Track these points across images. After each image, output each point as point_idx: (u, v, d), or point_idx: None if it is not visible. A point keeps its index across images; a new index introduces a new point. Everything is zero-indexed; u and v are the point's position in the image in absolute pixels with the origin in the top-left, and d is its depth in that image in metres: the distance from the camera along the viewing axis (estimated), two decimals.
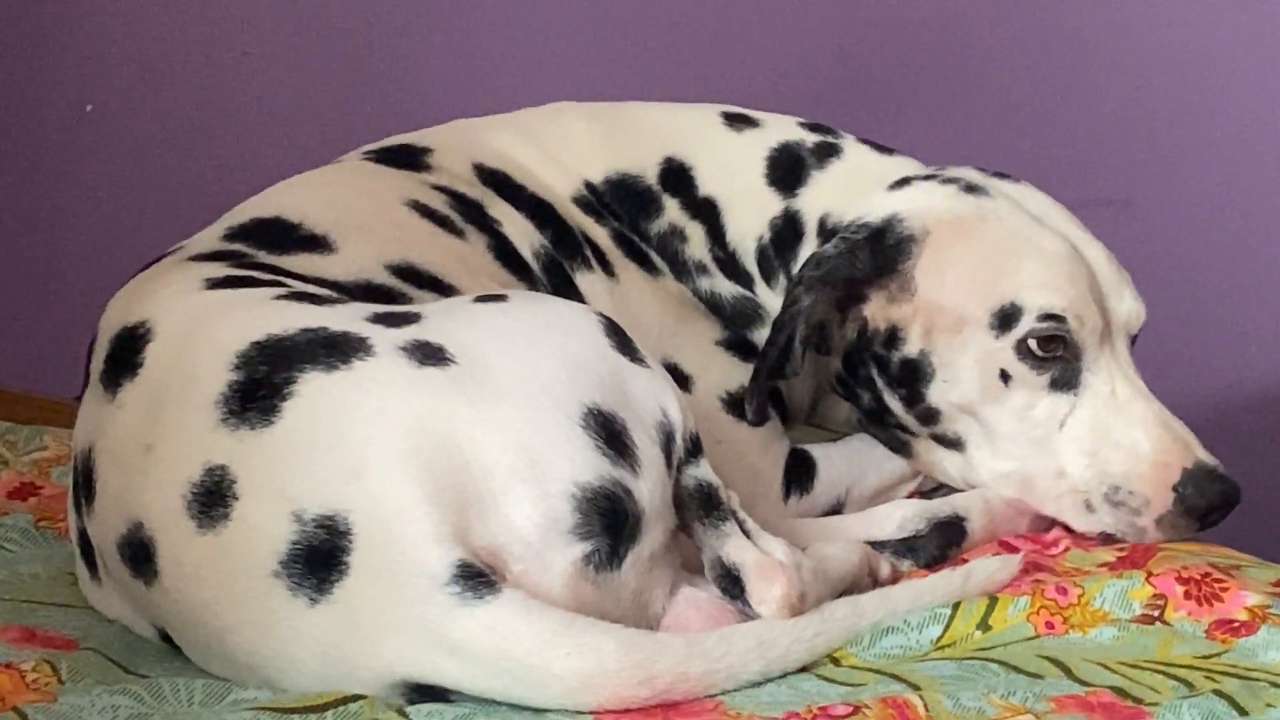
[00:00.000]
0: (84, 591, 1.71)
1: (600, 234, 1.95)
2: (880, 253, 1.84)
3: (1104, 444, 1.81)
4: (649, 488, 1.52)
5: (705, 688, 1.47)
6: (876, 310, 1.86)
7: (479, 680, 1.44)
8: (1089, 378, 1.83)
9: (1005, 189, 1.90)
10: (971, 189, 1.88)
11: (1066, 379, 1.83)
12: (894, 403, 1.89)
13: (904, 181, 1.90)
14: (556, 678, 1.43)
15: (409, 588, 1.43)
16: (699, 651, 1.47)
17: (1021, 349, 1.81)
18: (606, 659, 1.44)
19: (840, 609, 1.58)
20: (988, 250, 1.83)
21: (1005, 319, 1.82)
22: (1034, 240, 1.84)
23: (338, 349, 1.51)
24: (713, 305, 1.96)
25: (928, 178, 1.90)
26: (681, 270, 1.97)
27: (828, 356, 1.89)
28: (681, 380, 1.87)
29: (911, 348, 1.85)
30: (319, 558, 1.45)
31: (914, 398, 1.87)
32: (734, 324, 1.95)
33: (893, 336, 1.86)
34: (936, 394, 1.85)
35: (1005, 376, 1.83)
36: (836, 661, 1.55)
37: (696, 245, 1.97)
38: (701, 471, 1.61)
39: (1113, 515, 1.81)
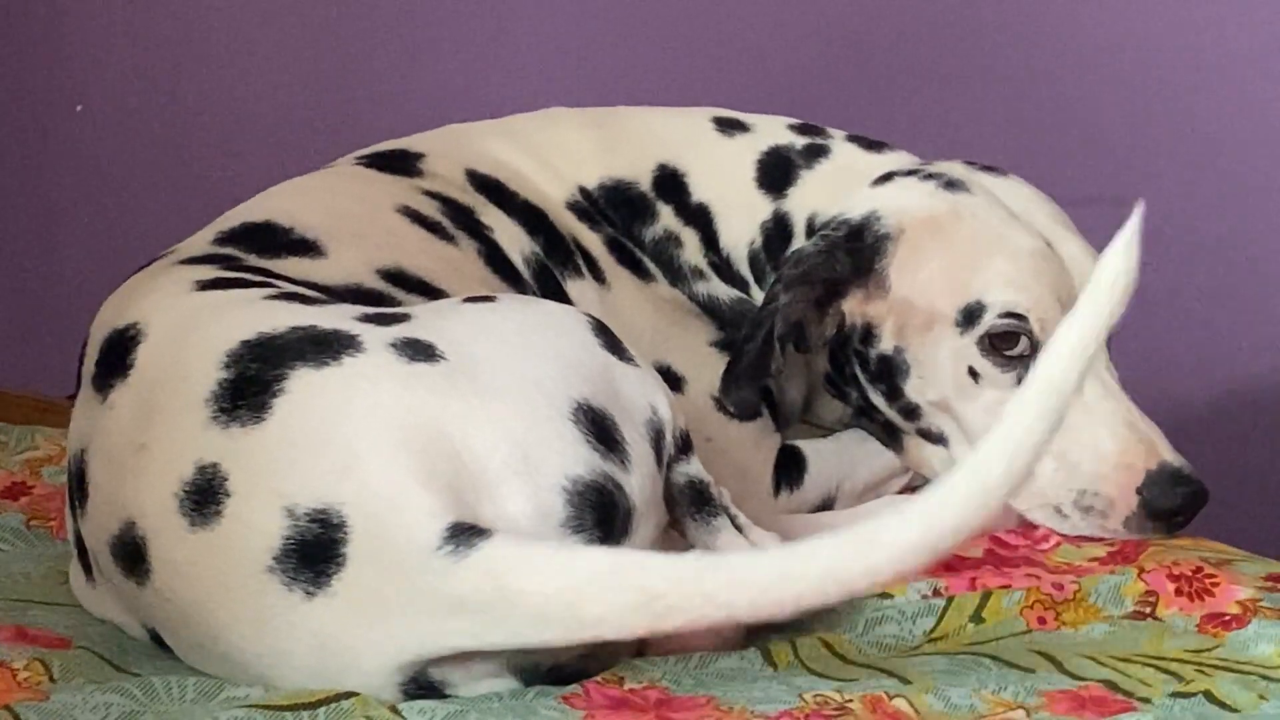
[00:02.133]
0: (78, 595, 1.70)
1: (593, 240, 1.96)
2: (857, 252, 1.85)
3: (1071, 445, 1.80)
4: (639, 483, 1.52)
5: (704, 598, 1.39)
6: (854, 306, 1.86)
7: (485, 631, 1.42)
8: None
9: (988, 183, 1.90)
10: (951, 185, 1.88)
11: None
12: (878, 399, 1.89)
13: (887, 177, 1.91)
14: (555, 594, 1.40)
15: (407, 563, 1.42)
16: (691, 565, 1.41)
17: (984, 345, 1.82)
18: (599, 562, 1.41)
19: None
20: (958, 248, 1.84)
21: (970, 316, 1.83)
22: (1005, 238, 1.84)
23: (328, 346, 1.50)
24: (711, 309, 1.97)
25: (910, 173, 1.91)
26: (677, 275, 1.97)
27: (806, 354, 1.90)
28: (674, 381, 1.88)
29: (886, 345, 1.86)
30: (313, 552, 1.44)
31: (894, 393, 1.88)
32: (733, 327, 1.95)
33: (869, 333, 1.87)
34: (913, 390, 1.86)
35: (974, 374, 1.83)
36: (830, 647, 1.55)
37: (691, 251, 1.98)
38: (693, 469, 1.61)
39: (1084, 520, 1.80)
